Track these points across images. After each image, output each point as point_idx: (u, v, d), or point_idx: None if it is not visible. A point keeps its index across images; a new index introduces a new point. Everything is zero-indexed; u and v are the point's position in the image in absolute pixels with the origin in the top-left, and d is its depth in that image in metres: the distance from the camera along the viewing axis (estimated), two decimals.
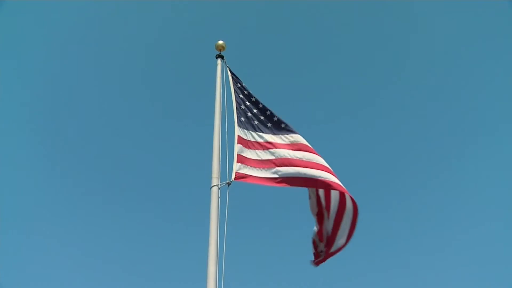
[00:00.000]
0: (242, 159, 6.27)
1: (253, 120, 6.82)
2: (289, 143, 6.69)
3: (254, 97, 7.08)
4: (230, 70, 7.26)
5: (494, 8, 18.21)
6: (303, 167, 6.39)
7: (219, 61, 7.29)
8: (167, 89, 21.69)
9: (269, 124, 6.85)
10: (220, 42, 7.43)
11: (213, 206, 5.65)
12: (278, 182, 6.26)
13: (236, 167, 6.10)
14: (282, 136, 6.74)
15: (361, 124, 21.90)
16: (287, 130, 6.83)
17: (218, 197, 5.74)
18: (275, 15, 22.60)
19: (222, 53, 7.41)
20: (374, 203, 19.35)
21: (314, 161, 6.48)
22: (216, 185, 5.81)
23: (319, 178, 6.29)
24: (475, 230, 17.46)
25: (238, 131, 6.52)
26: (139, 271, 16.90)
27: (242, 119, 6.74)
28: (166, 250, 17.85)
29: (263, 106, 7.03)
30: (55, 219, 17.50)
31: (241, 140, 6.45)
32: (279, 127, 6.84)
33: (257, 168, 6.31)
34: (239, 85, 7.15)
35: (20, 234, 16.42)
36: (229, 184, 5.87)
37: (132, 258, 17.47)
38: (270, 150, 6.55)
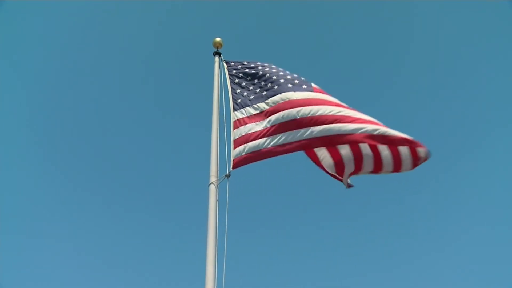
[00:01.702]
0: (239, 142, 6.10)
1: (250, 96, 6.63)
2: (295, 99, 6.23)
3: (254, 70, 6.86)
4: (226, 62, 7.21)
5: (494, 8, 18.21)
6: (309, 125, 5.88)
7: (216, 58, 7.26)
8: (164, 87, 21.70)
9: (264, 93, 6.56)
10: (218, 39, 7.39)
11: (211, 204, 5.59)
12: (280, 150, 5.97)
13: (234, 154, 5.98)
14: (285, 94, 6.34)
15: None
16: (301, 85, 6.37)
17: (216, 195, 5.68)
18: (274, 13, 22.63)
19: (220, 50, 7.37)
20: (374, 203, 19.35)
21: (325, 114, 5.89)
22: (213, 182, 5.74)
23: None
24: (475, 230, 17.44)
25: (234, 117, 6.40)
26: (138, 271, 16.90)
27: (238, 101, 6.60)
28: (164, 249, 17.85)
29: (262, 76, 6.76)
30: (54, 219, 17.52)
31: (237, 124, 6.31)
32: (283, 88, 6.42)
33: (256, 141, 6.08)
34: (235, 71, 7.03)
35: (19, 234, 16.43)
36: (228, 176, 5.79)
37: (130, 258, 17.47)
38: (268, 118, 6.25)
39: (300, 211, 19.06)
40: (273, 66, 6.97)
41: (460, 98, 20.44)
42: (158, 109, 21.31)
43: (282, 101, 6.28)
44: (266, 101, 6.43)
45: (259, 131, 6.16)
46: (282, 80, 6.58)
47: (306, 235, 18.82)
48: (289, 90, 6.39)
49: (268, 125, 6.17)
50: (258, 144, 6.06)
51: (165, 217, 19.03)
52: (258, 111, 6.38)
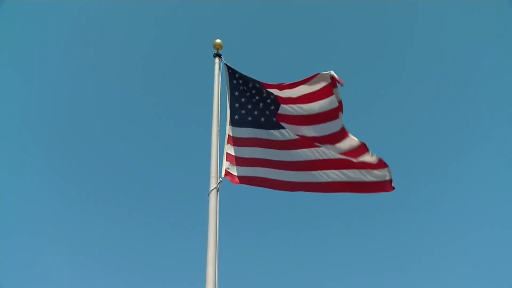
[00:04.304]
0: (231, 158, 6.37)
1: (248, 116, 6.71)
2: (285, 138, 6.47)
3: (255, 89, 6.81)
4: (227, 67, 7.14)
5: (494, 8, 18.20)
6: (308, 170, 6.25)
7: (216, 60, 7.19)
8: (164, 90, 21.67)
9: (262, 119, 6.65)
10: (218, 40, 7.33)
11: (211, 206, 5.62)
12: (271, 185, 6.33)
13: (226, 165, 6.24)
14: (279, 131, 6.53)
15: (360, 123, 21.86)
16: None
17: (217, 197, 5.72)
18: (274, 13, 22.59)
19: (220, 52, 7.31)
20: (373, 204, 19.36)
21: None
22: (215, 186, 5.78)
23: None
24: (475, 231, 17.47)
25: (229, 131, 6.56)
26: (138, 273, 16.92)
27: (236, 117, 6.68)
28: (164, 251, 17.86)
29: (260, 98, 6.75)
30: (54, 219, 17.53)
31: (231, 139, 6.50)
32: (276, 124, 6.55)
33: (246, 167, 6.38)
34: (235, 81, 6.98)
35: (19, 235, 16.45)
36: (219, 182, 5.91)
37: (130, 259, 17.48)
38: (266, 148, 6.48)
39: (300, 212, 19.08)
40: (267, 88, 6.76)
41: (460, 98, 20.44)
42: (157, 111, 21.29)
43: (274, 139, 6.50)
44: (265, 130, 6.56)
45: (253, 158, 6.45)
46: (272, 107, 6.59)
47: (306, 236, 18.85)
48: (278, 127, 6.52)
49: (263, 157, 6.43)
50: (251, 170, 6.39)
51: (165, 218, 19.07)
52: (253, 137, 6.56)
